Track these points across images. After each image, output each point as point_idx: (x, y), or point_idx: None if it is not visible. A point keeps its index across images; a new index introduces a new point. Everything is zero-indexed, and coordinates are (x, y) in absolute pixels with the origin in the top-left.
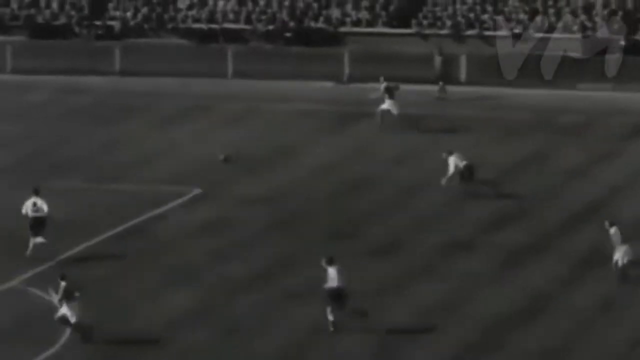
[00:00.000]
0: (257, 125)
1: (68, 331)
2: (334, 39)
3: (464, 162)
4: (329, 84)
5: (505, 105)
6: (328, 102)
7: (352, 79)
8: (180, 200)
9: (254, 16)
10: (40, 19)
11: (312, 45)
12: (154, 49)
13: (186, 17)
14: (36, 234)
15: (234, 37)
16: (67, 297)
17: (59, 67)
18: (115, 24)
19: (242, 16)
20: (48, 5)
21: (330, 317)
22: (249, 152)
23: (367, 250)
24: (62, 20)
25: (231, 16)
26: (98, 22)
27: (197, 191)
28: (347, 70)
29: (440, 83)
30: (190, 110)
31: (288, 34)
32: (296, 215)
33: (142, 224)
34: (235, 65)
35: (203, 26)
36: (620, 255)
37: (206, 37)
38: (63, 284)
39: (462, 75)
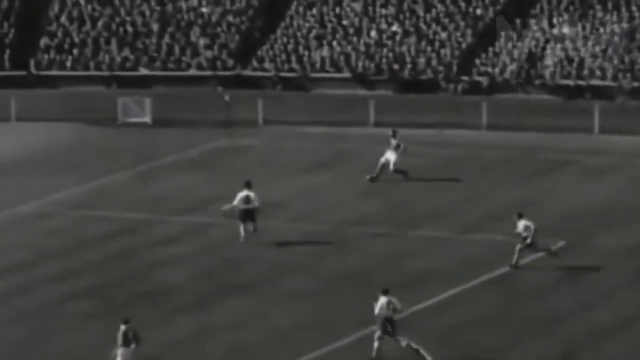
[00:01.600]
0: (621, 179)
1: None
2: None
3: (532, 227)
4: None
5: None
6: None
7: None
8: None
9: (620, 73)
10: (406, 74)
11: None
12: (520, 104)
13: (554, 73)
14: (244, 222)
15: (600, 93)
16: (124, 342)
17: (424, 121)
18: (483, 80)
19: (609, 73)
20: (413, 61)
21: (376, 344)
22: (613, 205)
23: None
24: (428, 75)
25: (598, 73)
26: (465, 78)
27: (560, 243)
28: None
29: None
30: (554, 164)
31: None
32: None
33: (504, 274)
34: (601, 121)
35: (570, 82)
36: None
37: (573, 93)
38: (123, 327)
39: None
